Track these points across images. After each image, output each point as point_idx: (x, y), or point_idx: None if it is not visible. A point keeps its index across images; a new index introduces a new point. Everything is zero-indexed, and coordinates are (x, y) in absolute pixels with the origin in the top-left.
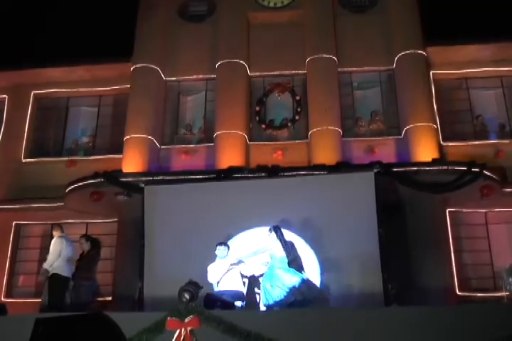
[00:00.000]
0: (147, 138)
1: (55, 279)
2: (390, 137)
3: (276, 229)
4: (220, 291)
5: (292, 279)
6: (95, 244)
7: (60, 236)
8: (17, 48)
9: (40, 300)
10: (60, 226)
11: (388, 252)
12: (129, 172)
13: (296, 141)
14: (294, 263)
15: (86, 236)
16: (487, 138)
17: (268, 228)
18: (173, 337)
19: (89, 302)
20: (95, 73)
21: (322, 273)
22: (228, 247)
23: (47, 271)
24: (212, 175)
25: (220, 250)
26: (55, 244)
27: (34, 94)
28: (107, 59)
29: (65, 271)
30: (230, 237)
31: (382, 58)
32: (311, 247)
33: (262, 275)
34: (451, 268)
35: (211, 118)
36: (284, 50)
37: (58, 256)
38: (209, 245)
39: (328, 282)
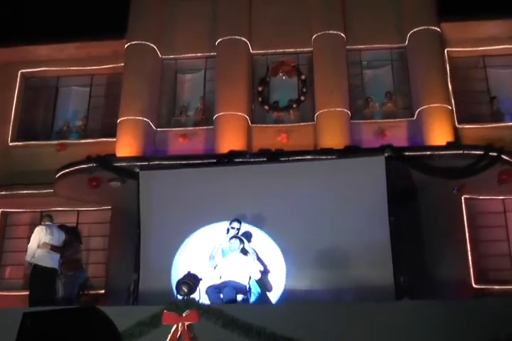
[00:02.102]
0: (142, 120)
1: (36, 271)
2: (402, 119)
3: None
4: (223, 282)
5: None
6: (69, 231)
7: (41, 225)
8: (3, 24)
9: (28, 293)
10: (48, 216)
11: (400, 242)
12: (123, 157)
13: (302, 124)
14: None
15: (62, 226)
16: (505, 121)
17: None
18: (169, 332)
19: (76, 295)
20: (87, 51)
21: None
22: (241, 240)
23: (30, 263)
24: (211, 160)
25: (233, 243)
26: (34, 233)
27: (22, 73)
28: (100, 36)
29: (47, 262)
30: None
31: (393, 35)
32: (316, 236)
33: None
34: (467, 259)
35: (211, 99)
36: (289, 26)
37: (37, 245)
38: (209, 234)
39: (332, 275)
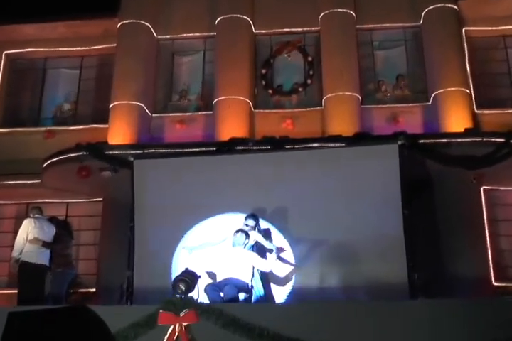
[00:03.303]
0: (136, 104)
1: (23, 267)
2: (417, 104)
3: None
4: (224, 280)
5: None
6: (60, 224)
7: (29, 217)
8: None
9: (15, 291)
10: (37, 209)
11: (414, 237)
12: (115, 145)
13: (308, 109)
14: None
15: (53, 219)
16: None
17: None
18: (165, 333)
19: (64, 293)
20: (77, 30)
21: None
22: (247, 235)
23: (16, 259)
24: (211, 148)
25: (237, 237)
26: (22, 227)
27: (6, 54)
28: (91, 14)
29: (36, 258)
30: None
31: (407, 13)
32: (323, 231)
33: None
34: (486, 255)
35: (210, 83)
36: (294, 4)
37: (25, 240)
38: (208, 228)
39: (342, 272)
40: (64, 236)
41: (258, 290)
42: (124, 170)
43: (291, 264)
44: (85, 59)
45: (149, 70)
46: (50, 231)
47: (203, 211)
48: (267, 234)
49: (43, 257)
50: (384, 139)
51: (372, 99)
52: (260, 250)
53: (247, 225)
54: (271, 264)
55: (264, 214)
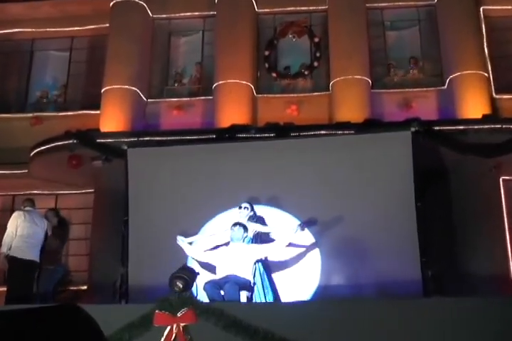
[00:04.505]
0: (130, 89)
1: (12, 263)
2: (431, 88)
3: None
4: (224, 277)
5: None
6: (63, 221)
7: (19, 210)
8: None
9: (3, 289)
10: (30, 201)
11: (428, 231)
12: (108, 132)
13: (315, 94)
14: None
15: (55, 211)
16: None
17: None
18: (162, 334)
19: (52, 292)
20: (66, 9)
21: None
22: (245, 228)
23: (5, 255)
24: (210, 136)
25: (235, 231)
26: (11, 220)
27: None
28: None
29: (26, 253)
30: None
31: None
32: (330, 225)
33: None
34: (506, 250)
35: (210, 65)
36: None
37: (14, 234)
38: (207, 221)
39: (351, 268)
40: (63, 233)
41: (261, 287)
42: (117, 160)
43: (301, 246)
44: (75, 40)
45: (144, 52)
46: (41, 226)
47: (202, 204)
48: (262, 222)
49: (33, 253)
50: (396, 126)
51: (383, 83)
52: (263, 242)
53: (240, 207)
54: (280, 244)
55: (264, 203)
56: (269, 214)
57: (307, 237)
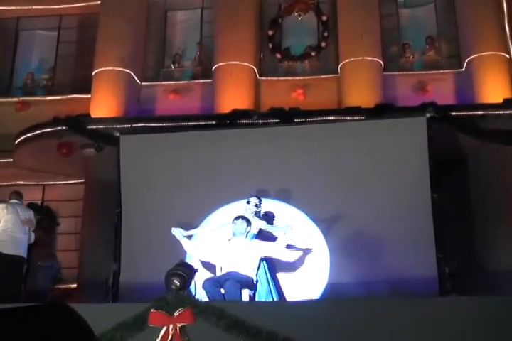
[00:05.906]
0: (123, 71)
1: None
2: (448, 70)
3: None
4: (224, 274)
5: None
6: (41, 211)
7: (4, 202)
8: None
9: None
10: (17, 194)
11: (445, 224)
12: (99, 118)
13: (323, 76)
14: None
15: (35, 206)
16: None
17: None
18: (157, 335)
19: (47, 290)
20: None
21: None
22: (248, 222)
23: None
24: (210, 122)
25: (237, 225)
26: None
27: None
28: None
29: (10, 248)
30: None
31: None
32: (341, 218)
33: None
34: None
35: (209, 46)
36: None
37: None
38: (205, 215)
39: (362, 264)
40: (45, 222)
41: (266, 285)
42: (109, 148)
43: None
44: (64, 19)
45: (138, 31)
46: (31, 218)
47: (201, 195)
48: (269, 219)
49: (19, 247)
50: (410, 111)
51: (396, 65)
52: (266, 239)
53: (249, 202)
54: (280, 244)
55: (269, 196)
56: (275, 210)
57: (315, 233)
